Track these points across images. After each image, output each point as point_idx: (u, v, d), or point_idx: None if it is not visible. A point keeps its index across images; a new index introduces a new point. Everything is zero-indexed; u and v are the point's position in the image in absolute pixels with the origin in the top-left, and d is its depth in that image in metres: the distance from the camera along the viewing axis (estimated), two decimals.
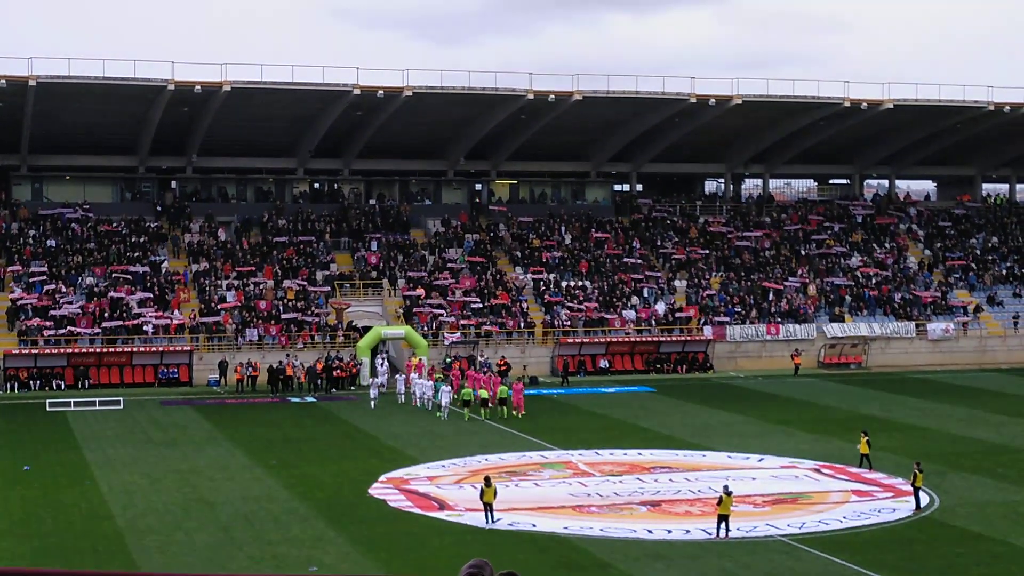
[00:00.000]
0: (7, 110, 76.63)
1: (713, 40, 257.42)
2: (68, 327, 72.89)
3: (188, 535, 36.92)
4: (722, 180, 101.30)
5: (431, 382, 63.79)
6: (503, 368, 72.40)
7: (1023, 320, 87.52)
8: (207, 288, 78.18)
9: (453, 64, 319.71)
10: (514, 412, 60.37)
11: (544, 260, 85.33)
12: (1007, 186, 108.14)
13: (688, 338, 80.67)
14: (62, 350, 71.78)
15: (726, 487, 38.09)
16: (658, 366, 79.07)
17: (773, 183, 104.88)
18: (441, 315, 78.07)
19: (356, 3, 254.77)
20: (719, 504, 36.86)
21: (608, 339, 79.38)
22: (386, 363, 70.82)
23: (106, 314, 74.23)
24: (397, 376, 66.93)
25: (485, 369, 70.32)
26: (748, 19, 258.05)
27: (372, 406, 62.22)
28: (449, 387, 62.12)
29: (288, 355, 72.36)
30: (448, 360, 72.99)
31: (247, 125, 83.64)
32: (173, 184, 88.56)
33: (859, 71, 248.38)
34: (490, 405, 60.92)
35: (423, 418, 59.91)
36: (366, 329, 75.89)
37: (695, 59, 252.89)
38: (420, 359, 70.38)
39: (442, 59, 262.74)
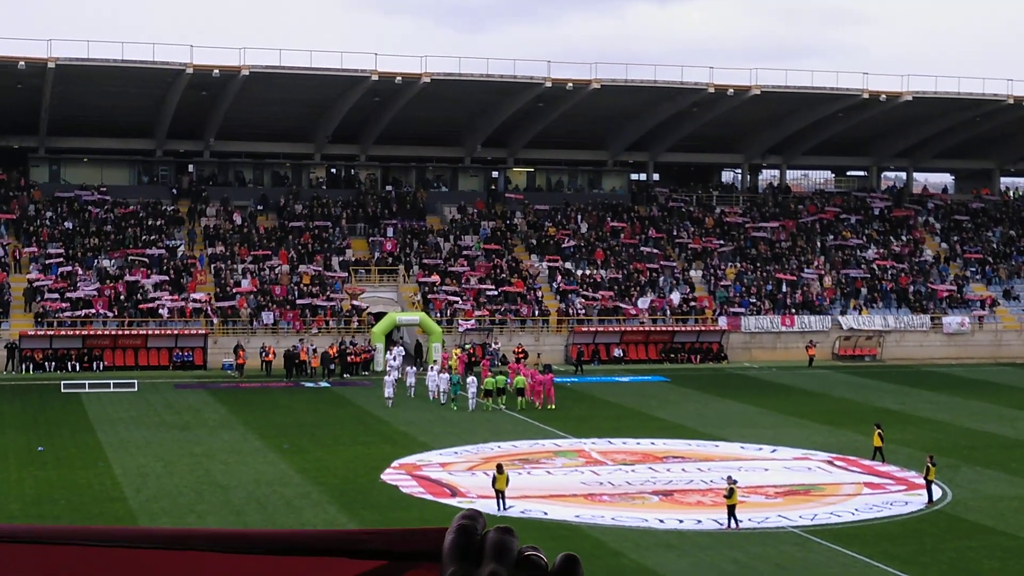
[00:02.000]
0: (26, 92, 76.78)
1: (737, 30, 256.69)
2: (84, 309, 73.11)
3: (200, 518, 37.04)
4: (739, 170, 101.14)
5: (447, 375, 61.57)
6: (520, 356, 72.44)
7: None
8: (223, 272, 78.32)
9: (474, 51, 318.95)
10: (549, 405, 59.08)
11: (560, 248, 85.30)
12: None
13: (703, 328, 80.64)
14: (77, 332, 71.99)
15: (730, 477, 38.02)
16: (672, 356, 79.03)
17: (790, 174, 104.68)
18: (456, 302, 78.13)
19: None
20: (729, 496, 36.86)
21: (623, 328, 79.35)
22: (399, 357, 67.79)
23: (122, 297, 74.44)
24: (408, 369, 64.10)
25: (490, 357, 70.09)
26: (773, 9, 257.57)
27: (389, 404, 58.74)
28: (475, 377, 60.67)
29: (302, 340, 72.43)
30: (465, 347, 72.99)
31: (265, 110, 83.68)
32: (190, 168, 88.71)
33: (883, 63, 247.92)
34: (519, 397, 59.91)
35: (436, 405, 59.82)
36: (380, 315, 76.00)
37: (718, 49, 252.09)
38: (463, 351, 69.38)
39: (463, 46, 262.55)
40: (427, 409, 58.41)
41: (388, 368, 64.30)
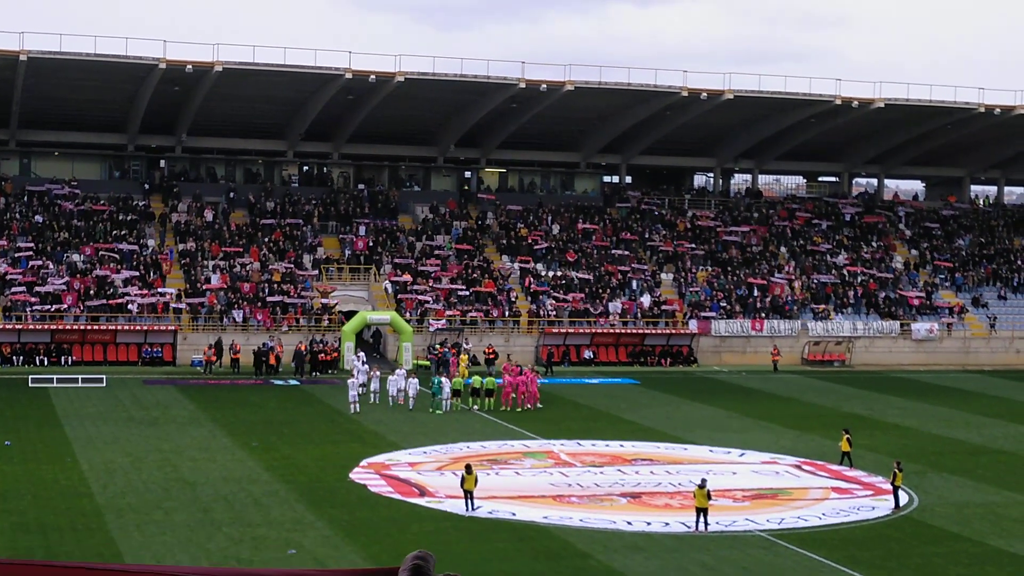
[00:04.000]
0: None
1: (717, 32, 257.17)
2: (53, 304, 72.74)
3: (167, 514, 36.90)
4: (711, 174, 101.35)
5: (416, 380, 59.78)
6: (491, 356, 72.56)
7: (1001, 322, 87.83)
8: (193, 268, 78.04)
9: (454, 50, 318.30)
10: (528, 405, 59.35)
11: (531, 249, 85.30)
12: (995, 188, 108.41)
13: (673, 331, 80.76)
14: (46, 326, 71.66)
15: (704, 480, 38.01)
16: (642, 359, 79.18)
17: (762, 179, 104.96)
18: (427, 302, 78.07)
19: None
20: (695, 497, 36.98)
21: (593, 330, 79.40)
22: (365, 362, 65.00)
23: (91, 291, 74.11)
24: (373, 374, 61.49)
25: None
26: (753, 12, 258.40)
27: (352, 410, 56.69)
28: (446, 378, 60.32)
29: (272, 336, 72.30)
30: (437, 347, 72.91)
31: (238, 106, 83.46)
32: (162, 163, 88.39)
33: (859, 68, 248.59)
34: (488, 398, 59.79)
35: (405, 408, 59.43)
36: (351, 313, 75.91)
37: (698, 51, 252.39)
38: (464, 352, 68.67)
39: (442, 44, 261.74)
40: (397, 409, 58.24)
41: (355, 372, 62.15)
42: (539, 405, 59.71)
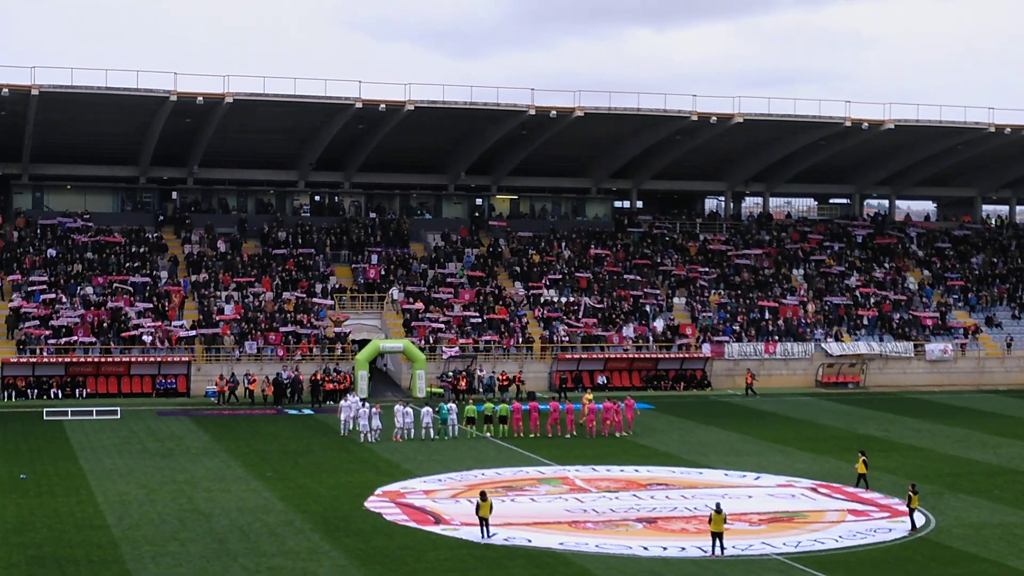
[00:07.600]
0: (9, 119, 76.74)
1: (734, 56, 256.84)
2: (67, 337, 72.89)
3: (183, 546, 36.91)
4: (722, 198, 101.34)
5: (409, 408, 58.33)
6: (504, 383, 72.54)
7: (1017, 342, 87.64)
8: (206, 299, 78.14)
9: (467, 78, 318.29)
10: (625, 432, 60.01)
11: (543, 276, 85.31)
12: (1007, 208, 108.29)
13: (686, 355, 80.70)
14: (60, 359, 71.77)
15: (718, 504, 37.95)
16: (656, 383, 79.11)
17: (773, 202, 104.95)
18: (440, 329, 78.10)
19: (372, 14, 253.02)
20: (711, 521, 36.92)
21: (606, 355, 79.36)
22: (362, 399, 62.88)
23: (105, 324, 74.25)
24: (361, 411, 58.20)
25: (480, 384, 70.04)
26: (769, 36, 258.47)
27: (362, 439, 56.66)
28: (455, 404, 60.04)
29: (286, 366, 72.50)
30: (450, 374, 72.90)
31: (249, 137, 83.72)
32: (174, 195, 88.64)
33: (872, 89, 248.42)
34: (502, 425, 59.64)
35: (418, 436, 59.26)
36: (364, 342, 75.99)
37: (711, 74, 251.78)
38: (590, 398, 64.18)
39: (457, 72, 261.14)
40: (414, 438, 57.99)
41: (339, 410, 60.34)
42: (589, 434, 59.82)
